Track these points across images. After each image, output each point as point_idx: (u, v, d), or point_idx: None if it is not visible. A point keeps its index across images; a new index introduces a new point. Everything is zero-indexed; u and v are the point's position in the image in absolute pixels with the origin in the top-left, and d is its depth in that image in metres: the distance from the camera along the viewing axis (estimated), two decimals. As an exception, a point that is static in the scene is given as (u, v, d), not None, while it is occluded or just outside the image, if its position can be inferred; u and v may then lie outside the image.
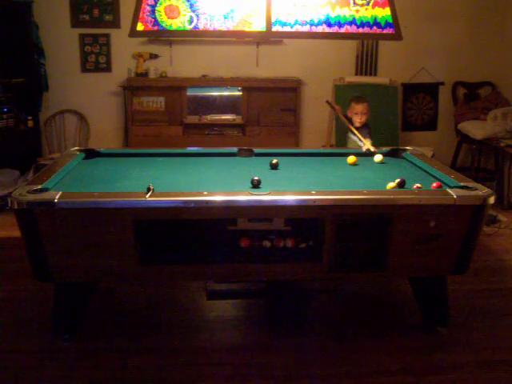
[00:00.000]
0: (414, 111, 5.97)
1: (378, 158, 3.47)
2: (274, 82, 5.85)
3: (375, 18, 3.16)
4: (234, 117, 5.92)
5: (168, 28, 3.11)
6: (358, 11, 3.15)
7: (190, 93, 5.90)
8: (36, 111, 5.58)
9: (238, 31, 3.15)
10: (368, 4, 3.15)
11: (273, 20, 3.11)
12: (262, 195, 2.59)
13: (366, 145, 3.73)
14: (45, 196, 2.53)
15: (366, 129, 4.13)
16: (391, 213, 2.63)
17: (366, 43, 5.93)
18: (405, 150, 3.67)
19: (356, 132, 3.95)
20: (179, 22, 3.10)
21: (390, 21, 3.18)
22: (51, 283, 2.76)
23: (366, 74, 6.00)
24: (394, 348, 2.85)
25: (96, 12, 5.68)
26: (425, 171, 3.21)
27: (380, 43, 5.94)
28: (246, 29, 3.13)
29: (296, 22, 3.14)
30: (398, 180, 2.82)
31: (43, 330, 2.92)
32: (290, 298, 3.15)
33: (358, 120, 4.10)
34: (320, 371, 2.66)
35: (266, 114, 5.94)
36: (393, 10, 3.17)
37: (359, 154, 3.52)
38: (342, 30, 3.17)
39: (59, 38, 5.71)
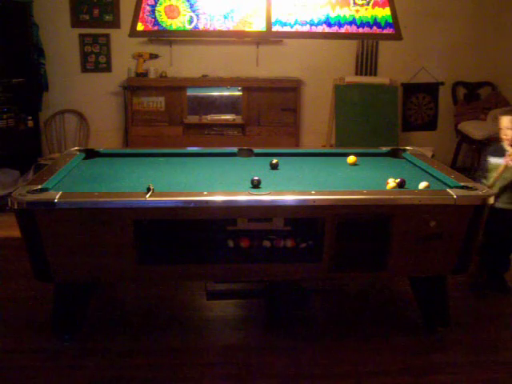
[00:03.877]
0: (414, 111, 5.97)
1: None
2: (274, 82, 5.86)
3: (375, 18, 3.16)
4: (234, 117, 5.92)
5: (168, 28, 3.10)
6: (358, 11, 3.14)
7: (190, 93, 5.91)
8: (36, 111, 5.59)
9: (238, 31, 3.15)
10: (368, 4, 3.14)
11: (273, 20, 3.11)
12: (261, 195, 2.59)
13: None
14: (45, 196, 2.53)
15: None
16: (391, 213, 2.63)
17: (365, 43, 5.93)
18: (405, 150, 3.66)
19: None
20: (179, 22, 3.10)
21: (390, 21, 3.17)
22: (51, 283, 2.77)
23: (366, 74, 6.00)
24: (393, 348, 2.85)
25: (96, 12, 5.68)
26: (425, 171, 3.20)
27: (380, 43, 5.94)
28: (246, 29, 3.13)
29: (296, 22, 3.13)
30: (398, 180, 2.82)
31: (43, 330, 2.92)
32: (290, 297, 3.15)
33: (504, 135, 3.34)
34: (320, 371, 2.66)
35: (266, 114, 5.94)
36: (393, 10, 3.16)
37: (359, 154, 3.52)
38: (342, 30, 3.17)
39: (59, 37, 5.71)
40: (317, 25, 3.15)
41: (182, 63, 5.88)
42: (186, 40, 5.69)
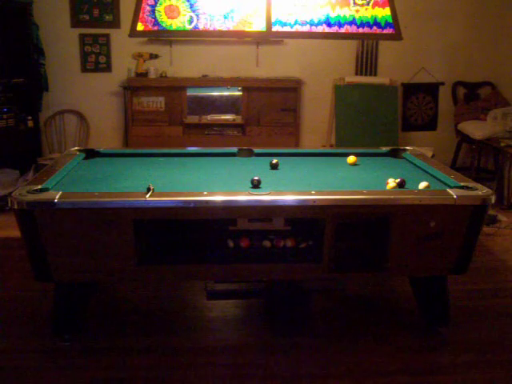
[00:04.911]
0: (414, 111, 5.97)
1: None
2: (274, 82, 5.86)
3: (375, 18, 3.16)
4: (234, 117, 5.92)
5: (168, 28, 3.10)
6: (358, 11, 3.14)
7: (190, 93, 5.91)
8: (36, 111, 5.59)
9: (238, 31, 3.15)
10: (368, 4, 3.14)
11: (273, 20, 3.11)
12: (262, 195, 2.59)
13: None
14: (45, 196, 2.53)
15: None
16: (391, 213, 2.63)
17: (365, 43, 5.94)
18: (405, 150, 3.67)
19: None
20: (179, 22, 3.10)
21: (390, 21, 3.17)
22: (51, 283, 2.77)
23: (366, 74, 6.00)
24: (393, 348, 2.85)
25: (96, 12, 5.68)
26: (425, 171, 3.20)
27: (380, 43, 5.94)
28: (246, 29, 3.13)
29: (296, 22, 3.13)
30: (398, 180, 2.82)
31: (43, 330, 2.92)
32: (290, 297, 3.16)
33: None
34: (320, 371, 2.66)
35: (266, 114, 5.94)
36: (393, 10, 3.17)
37: (359, 154, 3.52)
38: (342, 30, 3.17)
39: (59, 37, 5.71)
40: (317, 25, 3.15)
41: (182, 63, 5.88)
42: (186, 40, 5.69)
